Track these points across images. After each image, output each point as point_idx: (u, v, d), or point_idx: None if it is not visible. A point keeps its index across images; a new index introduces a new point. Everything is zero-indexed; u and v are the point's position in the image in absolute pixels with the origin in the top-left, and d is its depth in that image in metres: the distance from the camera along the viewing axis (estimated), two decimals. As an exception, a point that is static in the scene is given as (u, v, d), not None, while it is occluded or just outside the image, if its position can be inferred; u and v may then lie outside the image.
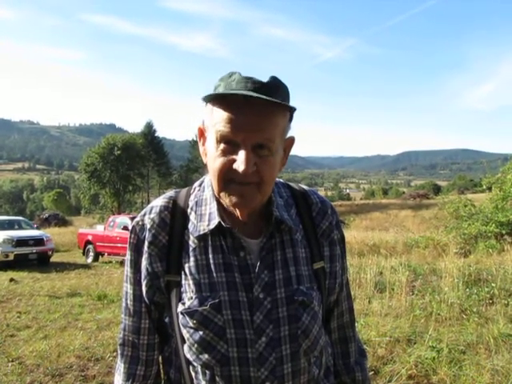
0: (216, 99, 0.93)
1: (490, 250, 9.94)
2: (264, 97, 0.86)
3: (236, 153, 0.91)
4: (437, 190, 67.01)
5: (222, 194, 0.95)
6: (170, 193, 1.10)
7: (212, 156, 0.95)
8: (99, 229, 16.84)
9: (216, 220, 0.98)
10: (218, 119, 0.92)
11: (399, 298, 5.66)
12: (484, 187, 12.93)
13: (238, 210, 0.99)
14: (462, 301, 5.40)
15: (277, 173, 0.99)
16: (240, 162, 0.90)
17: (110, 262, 14.98)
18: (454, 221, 12.87)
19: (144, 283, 1.02)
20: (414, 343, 4.22)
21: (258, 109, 0.89)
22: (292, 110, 0.95)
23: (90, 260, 15.83)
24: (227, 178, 0.93)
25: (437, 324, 4.79)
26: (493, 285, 5.81)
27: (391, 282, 6.31)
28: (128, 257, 1.06)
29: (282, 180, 1.15)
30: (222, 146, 0.92)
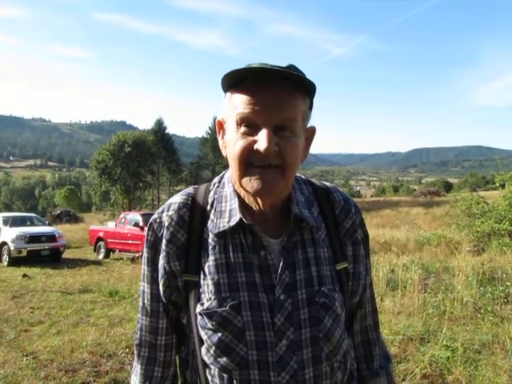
0: (235, 85, 0.91)
1: (504, 248, 9.80)
2: (285, 69, 0.86)
3: (257, 134, 0.89)
4: (448, 187, 66.32)
5: (244, 181, 0.92)
6: (189, 189, 1.07)
7: (232, 141, 0.92)
8: (110, 225, 16.96)
9: (237, 216, 0.95)
10: (237, 103, 0.91)
11: (411, 296, 5.60)
12: (497, 184, 12.73)
13: (259, 200, 0.96)
14: (476, 299, 5.33)
15: (300, 159, 0.95)
16: (261, 140, 0.87)
17: (121, 258, 15.07)
18: (467, 218, 12.69)
19: (161, 282, 0.99)
20: (428, 342, 4.18)
21: (278, 89, 0.88)
22: (312, 91, 0.93)
23: (101, 256, 15.94)
24: (248, 161, 0.90)
25: (450, 323, 4.73)
26: (508, 283, 5.72)
27: (403, 279, 6.25)
28: (145, 254, 1.03)
29: (303, 176, 1.11)
30: (242, 128, 0.90)
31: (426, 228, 16.55)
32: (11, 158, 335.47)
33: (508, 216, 11.06)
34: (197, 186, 1.09)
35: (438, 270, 7.28)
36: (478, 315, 4.93)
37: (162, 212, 1.02)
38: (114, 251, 15.80)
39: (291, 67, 0.91)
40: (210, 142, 50.08)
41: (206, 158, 51.08)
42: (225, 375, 0.92)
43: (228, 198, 1.01)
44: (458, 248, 10.16)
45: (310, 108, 0.97)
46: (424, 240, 12.28)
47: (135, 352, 1.07)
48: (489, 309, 5.03)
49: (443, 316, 4.92)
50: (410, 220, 24.59)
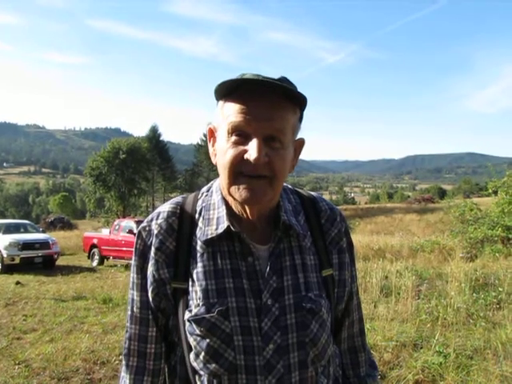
0: (228, 94, 0.93)
1: (497, 255, 9.88)
2: (277, 82, 0.88)
3: (247, 144, 0.91)
4: (442, 193, 66.79)
5: (232, 189, 0.93)
6: (177, 198, 1.08)
7: (223, 150, 0.93)
8: (104, 232, 16.89)
9: (225, 224, 0.96)
10: (229, 111, 0.92)
11: (405, 303, 5.63)
12: (490, 191, 12.86)
13: (247, 208, 0.97)
14: (469, 305, 5.36)
15: (288, 171, 0.97)
16: (252, 150, 0.89)
17: (115, 265, 15.00)
18: (460, 225, 12.79)
19: (150, 290, 1.00)
20: (421, 348, 4.19)
21: (270, 100, 0.90)
22: (303, 104, 0.95)
23: (95, 263, 15.86)
24: (238, 171, 0.91)
25: (443, 329, 4.75)
26: (500, 289, 5.76)
27: (397, 286, 6.28)
28: (134, 263, 1.04)
29: (290, 186, 1.13)
30: (233, 137, 0.92)
31: (419, 234, 16.64)
32: (5, 164, 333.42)
33: (501, 222, 11.15)
34: (185, 195, 1.10)
35: (432, 276, 7.32)
36: (471, 321, 4.96)
37: (151, 220, 1.03)
38: (108, 258, 15.73)
39: (283, 79, 0.93)
40: (205, 149, 49.93)
41: (201, 165, 51.03)
42: (214, 381, 0.93)
43: (216, 206, 1.02)
44: (452, 254, 10.23)
45: (300, 120, 0.99)
46: (418, 246, 12.35)
47: (123, 362, 1.06)
48: (481, 315, 5.07)
49: (436, 322, 4.94)
50: (404, 226, 24.71)
